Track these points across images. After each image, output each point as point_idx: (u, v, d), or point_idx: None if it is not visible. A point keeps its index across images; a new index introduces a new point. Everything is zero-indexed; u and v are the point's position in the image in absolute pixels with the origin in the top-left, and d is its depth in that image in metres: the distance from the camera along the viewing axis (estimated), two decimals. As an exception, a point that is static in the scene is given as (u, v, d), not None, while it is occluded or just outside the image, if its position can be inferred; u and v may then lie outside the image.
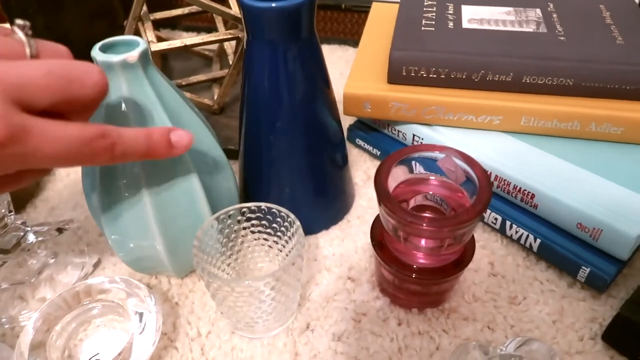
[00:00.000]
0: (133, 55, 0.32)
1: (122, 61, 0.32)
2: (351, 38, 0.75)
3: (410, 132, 0.49)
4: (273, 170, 0.42)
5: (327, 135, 0.42)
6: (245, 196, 0.45)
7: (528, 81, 0.44)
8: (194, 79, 0.59)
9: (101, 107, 0.33)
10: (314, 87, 0.39)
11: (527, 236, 0.42)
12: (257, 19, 0.35)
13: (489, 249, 0.44)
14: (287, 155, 0.41)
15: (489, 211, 0.44)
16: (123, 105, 0.33)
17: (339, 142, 0.44)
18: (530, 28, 0.47)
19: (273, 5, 0.34)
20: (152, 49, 0.50)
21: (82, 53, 0.33)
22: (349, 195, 0.48)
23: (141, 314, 0.36)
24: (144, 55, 0.32)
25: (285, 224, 0.38)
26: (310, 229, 0.46)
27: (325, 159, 0.43)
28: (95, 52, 0.32)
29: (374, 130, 0.53)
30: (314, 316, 0.39)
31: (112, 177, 0.35)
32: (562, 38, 0.46)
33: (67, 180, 0.53)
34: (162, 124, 0.34)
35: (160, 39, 0.56)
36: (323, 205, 0.45)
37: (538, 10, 0.50)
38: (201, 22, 0.77)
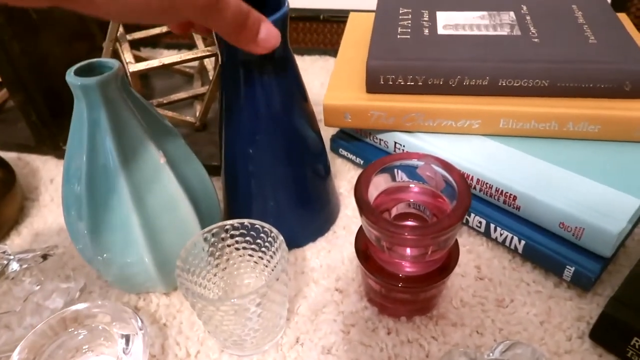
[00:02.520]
0: (107, 76, 0.32)
1: (98, 82, 0.32)
2: (331, 48, 0.75)
3: (392, 140, 0.49)
4: (255, 186, 0.42)
5: (307, 148, 0.42)
6: (230, 212, 0.45)
7: (504, 84, 0.44)
8: (176, 96, 0.59)
9: (84, 124, 0.33)
10: (291, 102, 0.39)
11: (512, 238, 0.42)
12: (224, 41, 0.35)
13: (475, 252, 0.44)
14: (269, 171, 0.41)
15: (473, 215, 0.45)
16: (104, 123, 0.33)
17: (319, 154, 0.44)
18: (505, 31, 0.48)
19: None
20: (130, 70, 0.50)
21: (62, 76, 0.33)
22: (334, 206, 0.48)
23: (127, 337, 0.36)
24: (115, 78, 0.33)
25: (269, 239, 0.38)
26: (296, 242, 0.46)
27: (307, 172, 0.43)
28: (70, 76, 0.32)
29: (357, 140, 0.53)
30: (303, 330, 0.39)
31: (99, 198, 0.35)
32: (535, 40, 0.46)
33: (50, 206, 0.52)
34: (140, 141, 0.34)
35: (140, 59, 0.56)
36: (308, 218, 0.45)
37: (512, 13, 0.51)
38: (182, 39, 0.77)
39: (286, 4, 0.35)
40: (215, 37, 0.36)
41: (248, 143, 0.40)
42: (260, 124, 0.39)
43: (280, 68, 0.37)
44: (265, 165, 0.41)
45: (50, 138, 0.56)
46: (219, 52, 0.37)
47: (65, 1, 0.23)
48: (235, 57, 0.36)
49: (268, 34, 0.31)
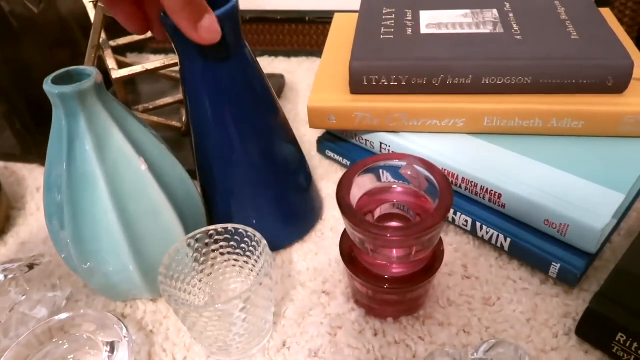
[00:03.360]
0: (84, 84, 0.32)
1: (75, 90, 0.32)
2: (318, 50, 0.75)
3: (378, 140, 0.49)
4: (227, 195, 0.42)
5: (280, 151, 0.42)
6: (210, 218, 0.45)
7: (487, 82, 0.44)
8: (162, 101, 0.59)
9: (63, 132, 0.33)
10: (251, 104, 0.39)
11: (498, 236, 0.42)
12: (178, 38, 0.34)
13: (462, 251, 0.44)
14: (240, 177, 0.41)
15: (459, 214, 0.45)
16: (82, 131, 0.33)
17: (293, 155, 0.44)
18: (487, 29, 0.48)
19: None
20: (114, 76, 0.50)
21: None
22: (316, 207, 0.48)
23: (112, 345, 0.36)
24: (93, 85, 0.32)
25: (253, 243, 0.38)
26: (279, 245, 0.46)
27: (283, 177, 0.43)
28: (48, 84, 0.32)
29: (343, 141, 0.53)
30: (290, 333, 0.39)
31: (80, 207, 0.35)
32: (518, 37, 0.46)
33: (37, 214, 0.52)
34: (120, 148, 0.34)
35: (125, 65, 0.56)
36: (289, 223, 0.45)
37: (495, 11, 0.51)
38: (168, 43, 0.76)
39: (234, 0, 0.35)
40: (170, 36, 0.36)
41: (215, 154, 0.40)
42: (225, 133, 0.39)
43: (236, 69, 0.37)
44: (239, 174, 0.41)
45: (36, 146, 0.56)
46: (176, 52, 0.37)
47: None
48: (193, 58, 0.35)
49: (210, 25, 0.32)
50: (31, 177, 0.57)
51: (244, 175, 0.41)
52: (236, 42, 0.36)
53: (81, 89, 0.32)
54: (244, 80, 0.38)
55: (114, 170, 0.34)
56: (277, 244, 0.45)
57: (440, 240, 0.38)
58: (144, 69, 0.51)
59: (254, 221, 0.42)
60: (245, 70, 0.38)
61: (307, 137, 0.59)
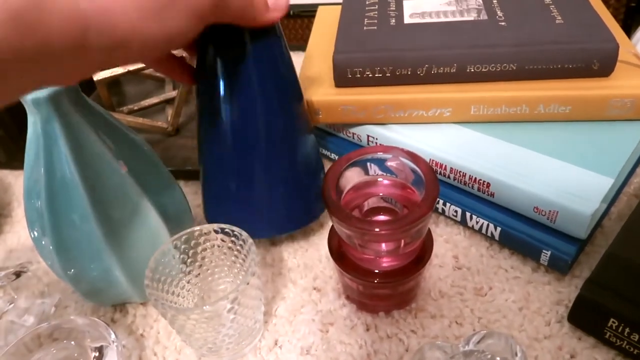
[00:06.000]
0: (58, 90, 0.31)
1: (48, 96, 0.31)
2: (303, 44, 0.74)
3: (365, 133, 0.48)
4: (243, 188, 0.41)
5: (299, 143, 0.42)
6: (208, 211, 0.44)
7: (472, 70, 0.44)
8: (147, 102, 0.59)
9: (39, 137, 0.32)
10: (281, 99, 0.39)
11: (488, 225, 0.42)
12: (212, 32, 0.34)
13: (452, 242, 0.43)
14: (257, 171, 0.40)
15: (448, 204, 0.44)
16: (59, 136, 0.32)
17: (312, 148, 0.43)
18: (471, 16, 0.47)
19: None
20: (95, 78, 0.49)
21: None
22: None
23: (101, 349, 0.36)
24: (67, 90, 0.32)
25: (240, 242, 0.37)
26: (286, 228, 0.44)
27: (300, 172, 0.42)
28: None
29: (330, 135, 0.53)
30: (281, 332, 0.39)
31: (60, 213, 0.34)
32: (502, 23, 0.46)
33: (24, 221, 0.51)
34: (98, 152, 0.34)
35: (106, 66, 0.55)
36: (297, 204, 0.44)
37: (478, -2, 0.50)
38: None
39: None
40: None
41: (230, 146, 0.39)
42: (246, 126, 0.38)
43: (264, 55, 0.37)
44: (252, 168, 0.40)
45: (21, 153, 0.55)
46: (196, 48, 0.36)
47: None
48: (216, 51, 0.35)
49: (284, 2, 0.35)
50: (17, 183, 0.56)
51: (258, 170, 0.40)
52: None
53: (55, 94, 0.31)
54: (270, 67, 0.38)
55: (94, 174, 0.34)
56: (289, 225, 0.44)
57: (429, 232, 0.38)
58: (126, 70, 0.50)
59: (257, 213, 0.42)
60: (282, 50, 0.38)
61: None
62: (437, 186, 0.33)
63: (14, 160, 0.57)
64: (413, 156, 0.35)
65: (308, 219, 0.44)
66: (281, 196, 0.42)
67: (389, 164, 0.36)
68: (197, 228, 0.37)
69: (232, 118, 0.38)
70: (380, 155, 0.36)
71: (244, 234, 0.36)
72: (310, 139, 0.43)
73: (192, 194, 0.52)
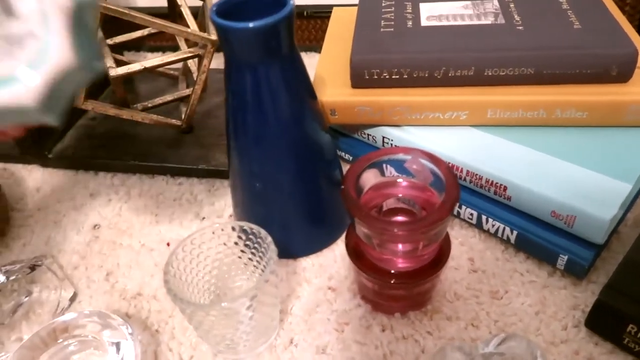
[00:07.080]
0: None
1: None
2: (317, 44, 0.74)
3: (380, 134, 0.48)
4: (260, 192, 0.41)
5: (320, 152, 0.42)
6: (237, 214, 0.45)
7: (490, 74, 0.44)
8: (161, 99, 0.59)
9: None
10: (301, 103, 0.39)
11: (504, 229, 0.42)
12: (233, 40, 0.34)
13: (468, 245, 0.43)
14: (276, 176, 0.40)
15: (464, 207, 0.44)
16: None
17: (332, 159, 0.43)
18: (489, 20, 0.47)
19: (250, 25, 0.32)
20: (111, 74, 0.49)
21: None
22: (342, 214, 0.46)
23: (118, 345, 0.36)
24: None
25: (258, 240, 0.37)
26: (303, 251, 0.45)
27: (321, 180, 0.42)
28: None
29: (345, 136, 0.53)
30: (296, 330, 0.39)
31: None
32: (520, 27, 0.46)
33: (37, 215, 0.52)
34: None
35: (122, 63, 0.56)
36: (314, 229, 0.44)
37: (495, 2, 0.50)
38: (165, 41, 0.76)
39: (291, 2, 0.34)
40: (218, 36, 0.35)
41: (256, 152, 0.39)
42: (269, 131, 0.38)
43: (289, 68, 0.37)
44: (273, 170, 0.40)
45: (35, 147, 0.56)
46: (223, 51, 0.36)
47: None
48: (240, 57, 0.35)
49: None
50: (31, 177, 0.56)
51: (278, 177, 0.40)
52: (289, 42, 0.36)
53: None
54: (294, 78, 0.38)
55: None
56: (305, 250, 0.45)
57: (447, 235, 0.38)
58: (143, 67, 0.50)
59: (277, 227, 0.41)
60: (294, 67, 0.38)
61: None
62: (457, 189, 0.33)
63: (27, 154, 0.57)
64: (433, 158, 0.35)
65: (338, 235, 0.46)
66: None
67: (408, 165, 0.36)
68: (215, 225, 0.37)
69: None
70: (401, 156, 0.36)
71: (263, 232, 0.36)
72: (335, 156, 0.44)
73: (205, 191, 0.52)
